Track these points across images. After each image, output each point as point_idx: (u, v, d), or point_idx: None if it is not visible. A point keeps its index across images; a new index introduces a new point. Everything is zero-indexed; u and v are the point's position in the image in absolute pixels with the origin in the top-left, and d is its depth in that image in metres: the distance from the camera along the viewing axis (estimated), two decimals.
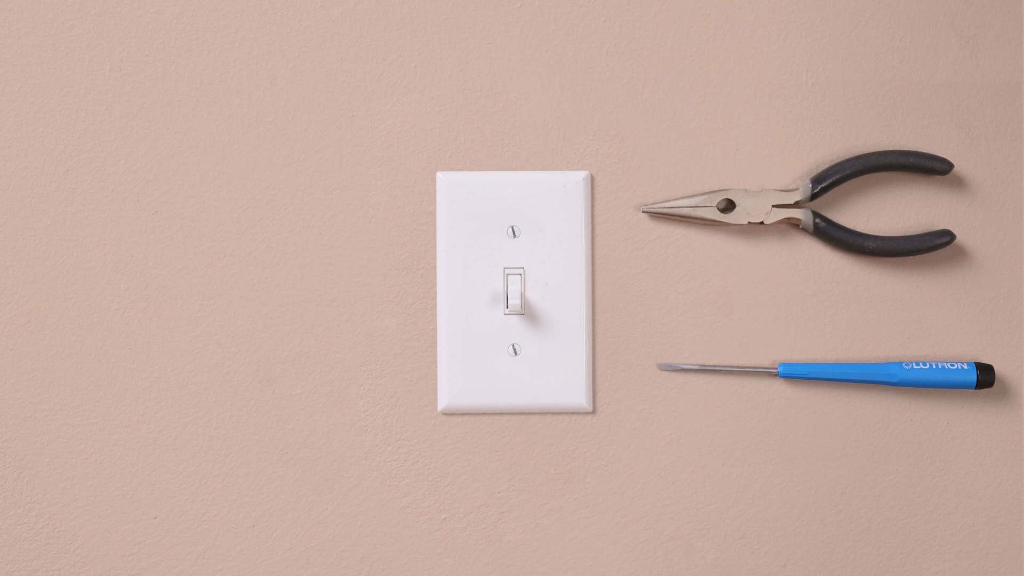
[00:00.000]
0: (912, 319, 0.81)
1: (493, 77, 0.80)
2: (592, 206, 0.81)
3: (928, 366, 0.78)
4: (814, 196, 0.80)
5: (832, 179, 0.79)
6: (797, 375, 0.79)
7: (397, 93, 0.80)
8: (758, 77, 0.80)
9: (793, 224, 0.81)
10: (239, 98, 0.80)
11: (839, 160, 0.80)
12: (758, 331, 0.81)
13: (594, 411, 0.81)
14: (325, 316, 0.80)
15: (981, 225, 0.80)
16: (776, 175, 0.80)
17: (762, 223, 0.80)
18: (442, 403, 0.81)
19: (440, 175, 0.80)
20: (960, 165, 0.80)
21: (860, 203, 0.81)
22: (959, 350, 0.81)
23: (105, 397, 0.80)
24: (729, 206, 0.80)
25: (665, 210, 0.80)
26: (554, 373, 0.80)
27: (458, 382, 0.80)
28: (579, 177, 0.80)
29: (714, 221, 0.80)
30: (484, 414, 0.81)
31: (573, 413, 0.81)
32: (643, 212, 0.79)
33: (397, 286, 0.81)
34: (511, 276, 0.80)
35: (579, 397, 0.81)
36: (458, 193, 0.80)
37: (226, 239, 0.80)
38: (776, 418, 0.81)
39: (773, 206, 0.80)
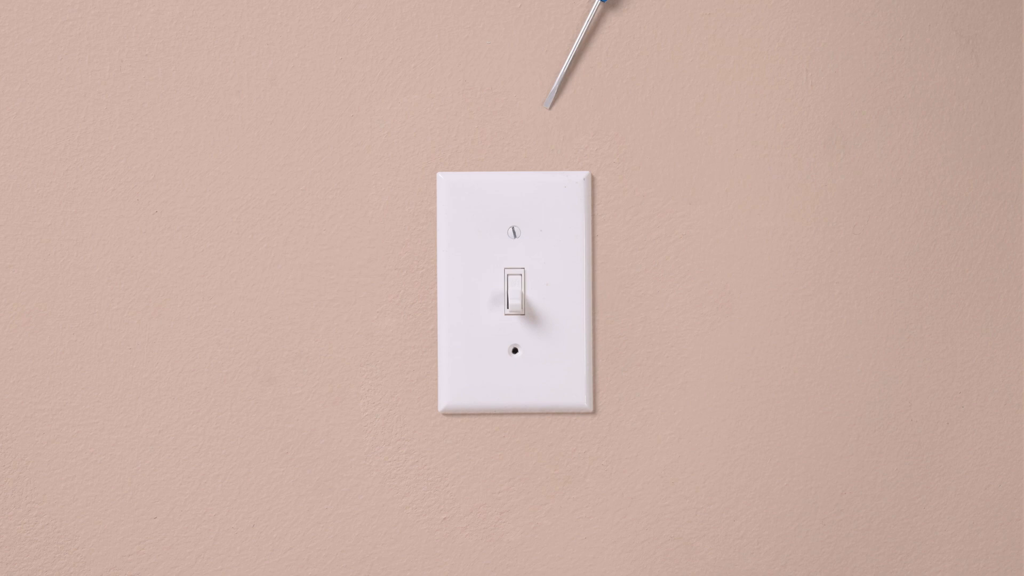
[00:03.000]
0: (912, 317, 0.81)
1: (493, 77, 0.80)
2: (592, 206, 0.81)
3: None
4: None
5: None
6: None
7: (397, 93, 0.80)
8: (758, 77, 0.80)
9: None
10: (239, 98, 0.80)
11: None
12: (758, 331, 0.81)
13: (594, 411, 0.81)
14: (325, 316, 0.80)
15: (980, 226, 0.80)
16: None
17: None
18: (442, 403, 0.81)
19: (440, 175, 0.80)
20: (960, 164, 0.80)
21: None
22: (958, 348, 0.81)
23: (105, 397, 0.80)
24: None
25: None
26: (554, 373, 0.81)
27: (458, 382, 0.80)
28: (579, 177, 0.80)
29: None
30: (484, 414, 0.81)
31: (573, 413, 0.81)
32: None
33: (397, 286, 0.81)
34: (511, 276, 0.80)
35: (579, 397, 0.81)
36: (458, 193, 0.80)
37: (226, 239, 0.80)
38: (776, 418, 0.81)
39: None
